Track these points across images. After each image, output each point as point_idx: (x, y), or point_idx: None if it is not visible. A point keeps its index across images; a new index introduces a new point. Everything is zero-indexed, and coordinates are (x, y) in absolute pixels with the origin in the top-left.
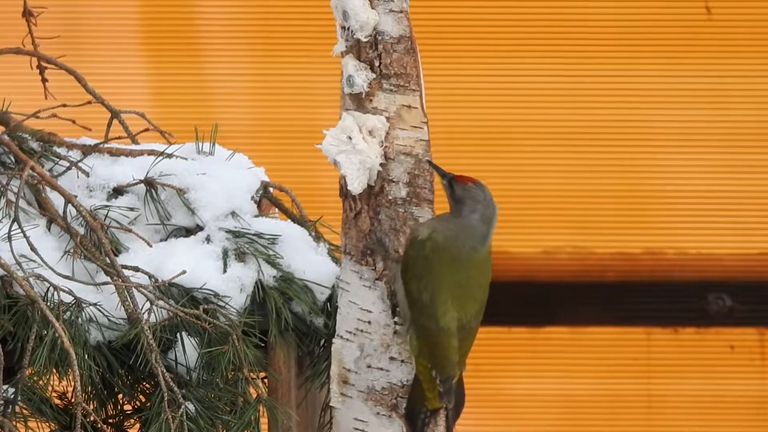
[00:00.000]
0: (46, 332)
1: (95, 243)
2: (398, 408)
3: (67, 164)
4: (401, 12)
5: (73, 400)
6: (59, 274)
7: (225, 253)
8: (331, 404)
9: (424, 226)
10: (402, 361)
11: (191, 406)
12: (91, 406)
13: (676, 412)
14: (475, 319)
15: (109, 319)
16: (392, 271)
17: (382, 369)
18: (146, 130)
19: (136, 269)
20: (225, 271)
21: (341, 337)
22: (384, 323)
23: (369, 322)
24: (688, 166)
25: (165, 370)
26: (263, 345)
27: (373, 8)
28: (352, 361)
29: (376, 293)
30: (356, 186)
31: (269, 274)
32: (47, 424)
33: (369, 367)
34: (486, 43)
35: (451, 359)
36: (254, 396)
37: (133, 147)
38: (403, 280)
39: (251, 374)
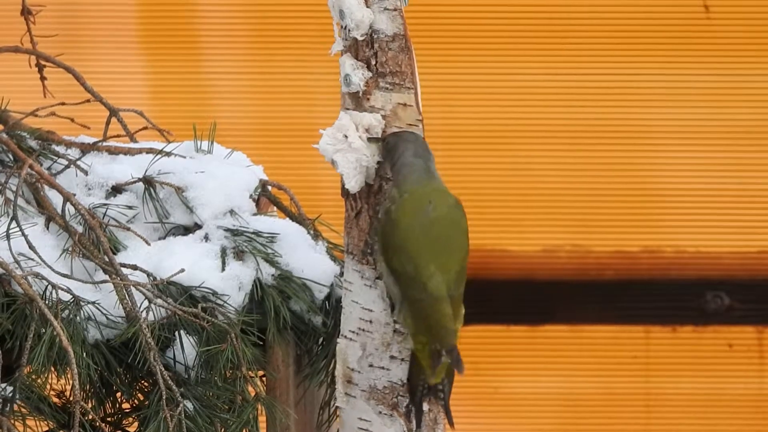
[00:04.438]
0: (44, 330)
1: (94, 241)
2: (399, 407)
3: (66, 162)
4: (395, 10)
5: (71, 399)
6: (58, 273)
7: (223, 252)
8: (336, 404)
9: (389, 194)
10: (402, 359)
11: (189, 405)
12: (90, 405)
13: (674, 411)
14: (456, 285)
15: (107, 318)
16: (375, 254)
17: (383, 368)
18: (145, 128)
19: (135, 267)
20: (223, 269)
21: (345, 336)
22: (384, 322)
23: (370, 321)
24: (687, 164)
25: (163, 369)
26: (261, 343)
27: (368, 7)
28: (355, 360)
29: (377, 292)
30: (353, 184)
31: (268, 272)
32: (45, 422)
33: (371, 366)
34: (483, 41)
35: (449, 327)
36: (253, 394)
37: (132, 145)
38: (384, 258)
39: (250, 372)
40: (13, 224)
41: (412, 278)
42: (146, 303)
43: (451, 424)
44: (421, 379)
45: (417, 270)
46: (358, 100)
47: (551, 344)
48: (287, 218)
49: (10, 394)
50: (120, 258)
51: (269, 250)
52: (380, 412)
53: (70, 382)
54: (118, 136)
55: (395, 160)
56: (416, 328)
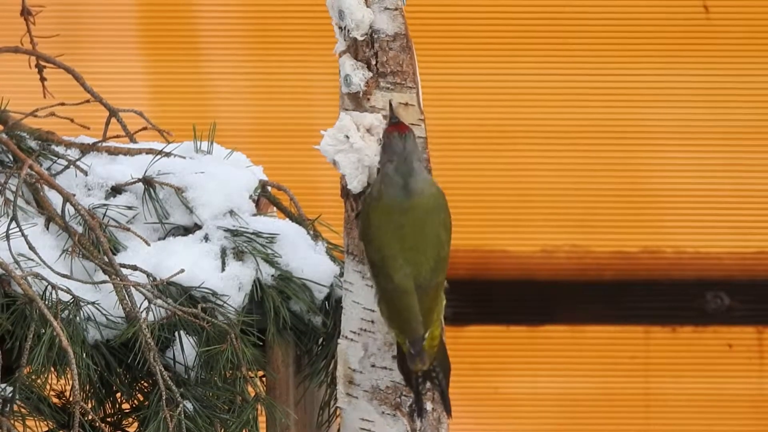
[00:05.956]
0: (44, 331)
1: (93, 242)
2: (402, 406)
3: (66, 163)
4: (396, 9)
5: (71, 399)
6: (57, 273)
7: (223, 252)
8: (338, 405)
9: (375, 185)
10: None
11: (189, 405)
12: (89, 405)
13: (674, 411)
14: (431, 276)
15: (107, 318)
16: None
17: (385, 368)
18: (144, 128)
19: (135, 268)
20: (223, 269)
21: (346, 337)
22: None
23: (372, 322)
24: (686, 165)
25: (163, 369)
26: (261, 344)
27: (368, 6)
28: (356, 361)
29: None
30: (356, 185)
31: (267, 272)
32: (45, 422)
33: (373, 366)
34: (483, 41)
35: (413, 319)
36: (252, 395)
37: (132, 145)
38: (364, 246)
39: (249, 373)
40: (13, 224)
41: (380, 268)
42: (146, 303)
43: (449, 413)
44: (413, 368)
45: (384, 261)
46: (358, 101)
47: (551, 344)
48: (287, 219)
49: (10, 395)
50: (120, 258)
51: (269, 251)
52: (383, 413)
53: (70, 382)
54: (117, 136)
55: (382, 163)
56: (390, 317)
